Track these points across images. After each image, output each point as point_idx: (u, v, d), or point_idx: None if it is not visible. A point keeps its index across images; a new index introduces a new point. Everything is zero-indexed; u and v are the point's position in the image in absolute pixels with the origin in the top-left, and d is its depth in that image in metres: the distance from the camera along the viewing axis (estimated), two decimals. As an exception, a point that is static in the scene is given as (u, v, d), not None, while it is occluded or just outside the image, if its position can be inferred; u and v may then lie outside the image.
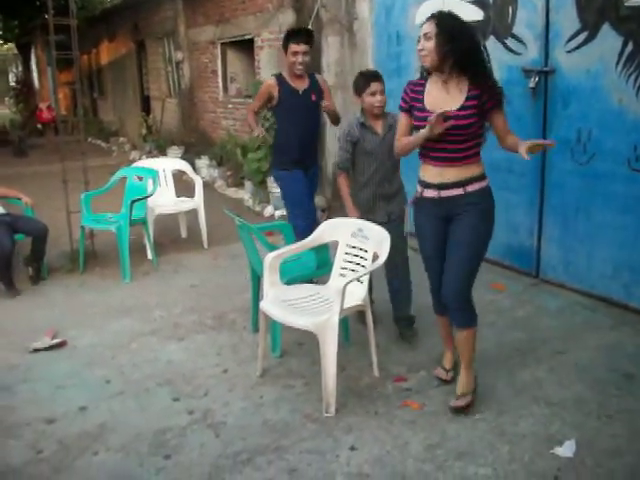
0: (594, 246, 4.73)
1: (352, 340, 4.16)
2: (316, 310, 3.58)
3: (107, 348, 4.32)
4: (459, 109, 3.17)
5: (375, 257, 3.65)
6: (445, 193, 3.29)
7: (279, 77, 5.13)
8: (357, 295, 3.64)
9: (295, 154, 5.02)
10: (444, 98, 3.26)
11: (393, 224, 4.07)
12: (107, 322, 4.75)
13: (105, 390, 3.77)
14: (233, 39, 9.88)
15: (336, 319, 3.33)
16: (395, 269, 4.18)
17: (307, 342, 4.08)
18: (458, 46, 3.14)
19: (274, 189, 7.94)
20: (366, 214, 4.11)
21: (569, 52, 4.70)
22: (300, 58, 4.94)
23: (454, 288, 3.30)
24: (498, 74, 5.23)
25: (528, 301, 4.80)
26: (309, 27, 4.63)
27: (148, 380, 3.86)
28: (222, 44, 10.28)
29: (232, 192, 9.27)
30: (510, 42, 5.17)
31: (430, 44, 3.22)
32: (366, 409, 3.44)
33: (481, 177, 3.30)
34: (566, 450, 2.99)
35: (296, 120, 5.02)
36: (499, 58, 5.27)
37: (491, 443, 3.10)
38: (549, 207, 5.06)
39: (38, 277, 5.75)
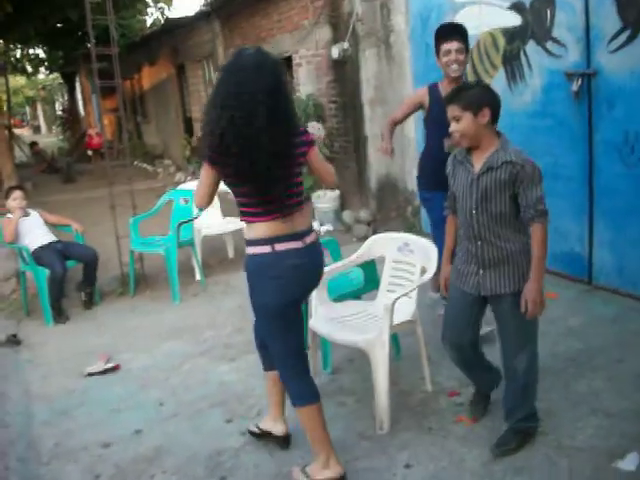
0: (648, 249, 4.61)
1: (403, 354, 4.12)
2: (365, 327, 3.57)
3: (160, 370, 4.37)
4: None
5: (423, 271, 3.62)
6: None
7: (432, 85, 4.36)
8: (406, 310, 3.61)
9: (438, 174, 3.72)
10: None
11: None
12: (159, 344, 4.81)
13: (159, 413, 3.82)
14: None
15: (386, 336, 3.31)
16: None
17: (358, 358, 4.06)
18: None
19: (319, 204, 7.97)
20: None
21: (612, 53, 4.60)
22: (454, 56, 4.06)
23: None
24: (538, 79, 5.24)
25: (582, 309, 4.69)
26: (457, 23, 4.36)
27: (201, 401, 3.89)
28: (260, 63, 10.37)
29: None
30: (550, 45, 5.10)
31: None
32: (420, 425, 3.40)
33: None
34: (628, 463, 2.90)
35: (442, 134, 4.01)
36: (539, 62, 5.21)
37: (549, 457, 3.02)
38: (599, 211, 4.95)
39: (91, 302, 5.87)
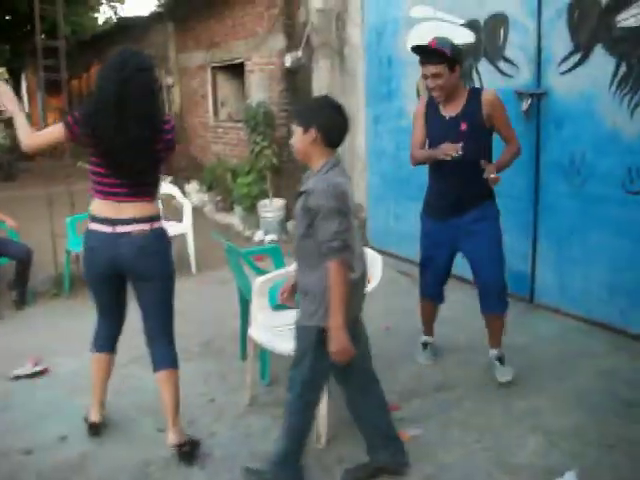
0: (589, 270, 4.65)
1: (343, 367, 4.04)
2: (306, 336, 3.46)
3: (89, 376, 4.17)
4: None
5: (367, 281, 3.54)
6: None
7: (431, 97, 3.88)
8: (349, 320, 3.52)
9: (436, 201, 3.94)
10: None
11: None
12: (91, 349, 4.61)
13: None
14: (223, 63, 9.85)
15: (327, 345, 3.21)
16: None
17: (297, 369, 3.96)
18: None
19: (264, 213, 7.87)
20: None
21: (562, 74, 4.66)
22: (431, 82, 3.66)
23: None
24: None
25: (523, 327, 4.69)
26: (435, 41, 3.69)
27: (132, 409, 3.73)
28: (212, 68, 10.25)
29: (222, 217, 9.17)
30: (502, 64, 5.14)
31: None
32: (358, 439, 3.30)
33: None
34: (567, 482, 2.88)
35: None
36: (491, 80, 5.24)
37: (489, 474, 2.99)
38: (543, 230, 4.99)
39: (22, 302, 5.63)
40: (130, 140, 2.94)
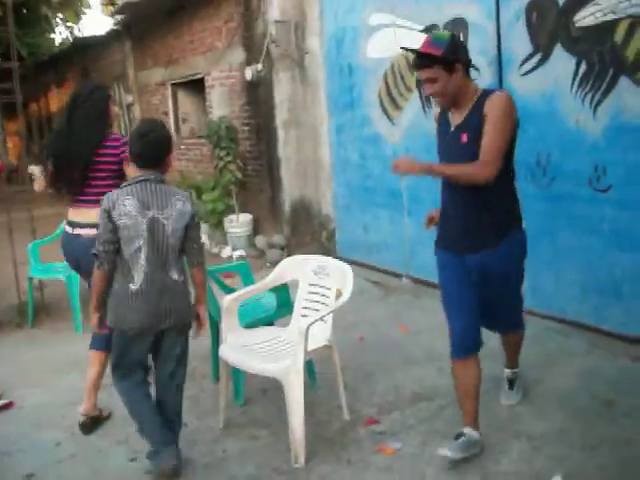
0: (561, 270, 4.62)
1: (319, 382, 3.94)
2: (279, 354, 3.38)
3: (57, 407, 4.02)
4: None
5: (338, 294, 3.47)
6: None
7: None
8: (321, 336, 3.44)
9: (445, 228, 3.31)
10: None
11: None
12: (57, 379, 4.45)
13: (55, 454, 3.48)
14: (183, 79, 9.73)
15: (300, 363, 3.13)
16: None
17: (271, 388, 3.85)
18: None
19: (231, 229, 7.75)
20: None
21: (523, 75, 4.65)
22: (426, 89, 3.15)
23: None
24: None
25: (498, 330, 4.65)
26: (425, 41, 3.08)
27: (102, 440, 3.59)
28: (172, 85, 10.12)
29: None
30: (463, 68, 5.11)
31: None
32: (338, 457, 3.23)
33: None
34: (553, 488, 2.82)
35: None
36: (453, 85, 5.21)
37: (474, 484, 2.90)
38: (513, 233, 4.95)
39: (-16, 333, 5.43)
40: (71, 157, 3.67)
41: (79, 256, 3.67)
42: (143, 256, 3.00)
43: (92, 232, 3.38)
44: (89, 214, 3.62)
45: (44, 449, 3.54)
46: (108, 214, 2.98)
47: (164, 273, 3.04)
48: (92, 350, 3.78)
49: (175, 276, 3.08)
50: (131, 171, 3.40)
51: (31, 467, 3.35)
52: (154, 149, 3.05)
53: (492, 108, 2.95)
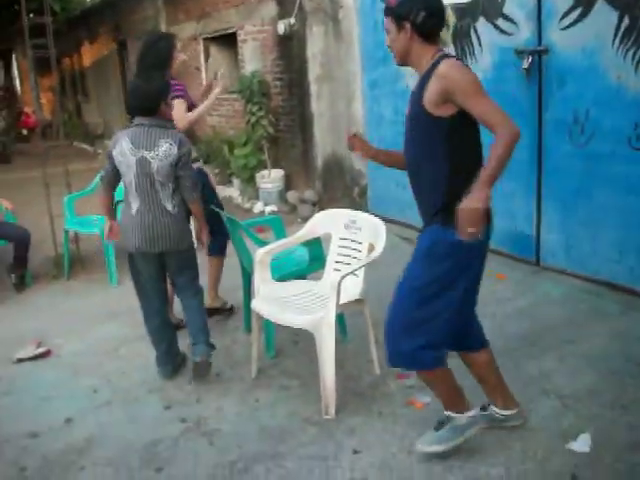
0: (597, 230, 4.56)
1: (350, 336, 3.98)
2: (311, 307, 3.41)
3: (94, 355, 4.13)
4: None
5: (371, 249, 3.47)
6: None
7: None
8: (354, 290, 3.45)
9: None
10: None
11: None
12: (93, 328, 4.56)
13: (92, 400, 3.59)
14: (215, 34, 9.66)
15: (332, 316, 3.16)
16: None
17: (303, 340, 3.91)
18: None
19: (263, 184, 7.77)
20: None
21: (563, 30, 4.53)
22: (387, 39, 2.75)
23: None
24: (489, 56, 5.13)
25: (530, 289, 4.63)
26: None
27: (137, 388, 3.67)
28: (204, 39, 10.06)
29: (220, 189, 9.02)
30: (501, 22, 4.99)
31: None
32: (369, 409, 3.27)
33: None
34: (582, 445, 2.83)
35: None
36: (490, 40, 5.11)
37: (501, 440, 2.92)
38: (547, 192, 4.89)
39: (22, 284, 5.56)
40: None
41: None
42: (134, 187, 3.49)
43: None
44: None
45: (81, 395, 3.64)
46: (110, 151, 3.56)
47: (156, 204, 3.50)
48: (209, 256, 4.38)
49: (169, 207, 3.53)
50: (172, 113, 3.79)
51: (69, 412, 3.46)
52: (143, 102, 3.49)
53: (450, 77, 2.50)
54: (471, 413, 2.85)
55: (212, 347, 3.66)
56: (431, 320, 2.61)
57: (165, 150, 3.45)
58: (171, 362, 3.77)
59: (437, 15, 2.64)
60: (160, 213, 3.51)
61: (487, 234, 2.62)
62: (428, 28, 2.62)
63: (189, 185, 3.55)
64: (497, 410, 2.95)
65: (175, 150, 3.46)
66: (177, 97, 4.20)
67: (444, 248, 2.59)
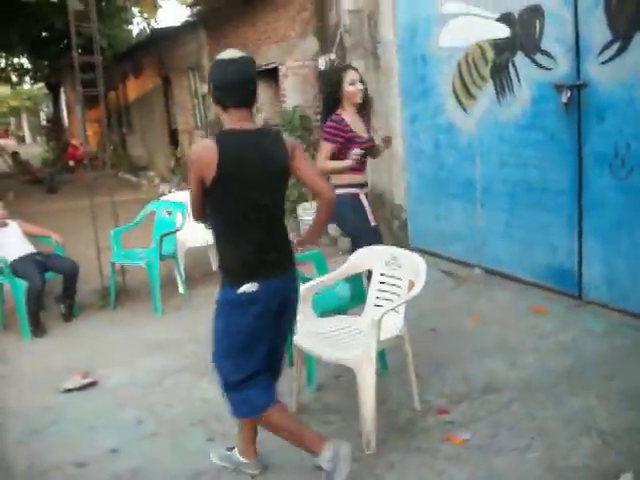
0: (639, 264, 4.53)
1: (390, 371, 4.01)
2: (352, 343, 3.45)
3: (139, 387, 4.24)
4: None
5: (411, 285, 3.52)
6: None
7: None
8: (394, 326, 3.50)
9: None
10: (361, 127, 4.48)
11: None
12: (139, 359, 4.67)
13: (137, 431, 3.68)
14: (257, 69, 9.87)
15: (373, 353, 3.20)
16: None
17: (344, 374, 3.94)
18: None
19: (305, 216, 7.87)
20: None
21: (602, 64, 4.55)
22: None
23: None
24: (527, 91, 5.18)
25: (572, 323, 4.60)
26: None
27: (181, 420, 3.75)
28: (247, 74, 10.29)
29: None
30: (539, 57, 5.04)
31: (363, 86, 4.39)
32: (408, 444, 3.29)
33: None
34: (624, 484, 2.81)
35: None
36: (528, 74, 5.15)
37: (541, 478, 2.92)
38: (588, 225, 4.87)
39: (70, 315, 5.73)
40: None
41: None
42: None
43: None
44: None
45: (126, 426, 3.74)
46: None
47: None
48: None
49: None
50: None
51: (115, 442, 3.55)
52: None
53: None
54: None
55: None
56: None
57: None
58: None
59: (221, 89, 2.80)
60: None
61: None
62: (223, 96, 2.81)
63: None
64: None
65: None
66: (324, 139, 4.40)
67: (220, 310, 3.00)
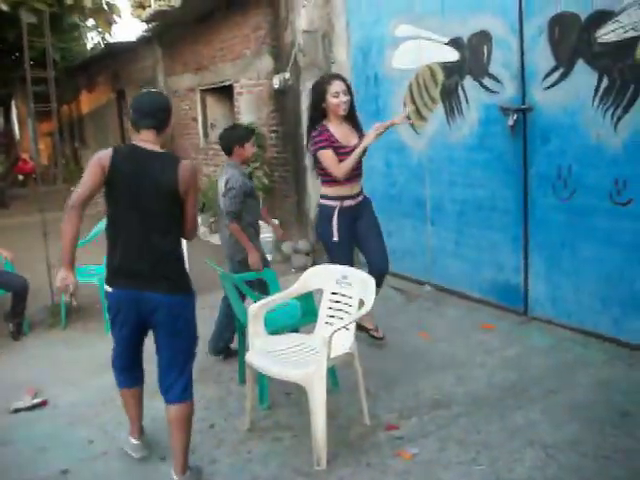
0: (581, 281, 4.69)
1: (341, 387, 4.07)
2: (303, 360, 3.51)
3: (90, 406, 4.20)
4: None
5: (361, 303, 3.59)
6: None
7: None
8: (344, 343, 3.56)
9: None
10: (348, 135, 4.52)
11: None
12: (90, 378, 4.63)
13: (88, 451, 3.65)
14: (212, 86, 9.92)
15: (324, 370, 3.26)
16: None
17: (295, 392, 3.99)
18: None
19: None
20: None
21: (546, 89, 4.73)
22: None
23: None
24: (476, 113, 5.33)
25: (518, 339, 4.74)
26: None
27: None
28: (201, 91, 10.32)
29: (216, 239, 9.16)
30: (487, 81, 5.21)
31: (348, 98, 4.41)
32: (358, 460, 3.35)
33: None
34: (565, 496, 2.91)
35: None
36: (476, 97, 5.32)
37: (487, 491, 3.01)
38: (534, 244, 5.04)
39: (19, 333, 5.64)
40: None
41: None
42: None
43: None
44: None
45: (77, 446, 3.71)
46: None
47: None
48: None
49: None
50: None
51: (65, 463, 3.51)
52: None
53: None
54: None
55: None
56: None
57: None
58: None
59: (135, 113, 3.26)
60: None
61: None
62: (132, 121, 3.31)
63: None
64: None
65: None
66: (320, 149, 4.38)
67: None
